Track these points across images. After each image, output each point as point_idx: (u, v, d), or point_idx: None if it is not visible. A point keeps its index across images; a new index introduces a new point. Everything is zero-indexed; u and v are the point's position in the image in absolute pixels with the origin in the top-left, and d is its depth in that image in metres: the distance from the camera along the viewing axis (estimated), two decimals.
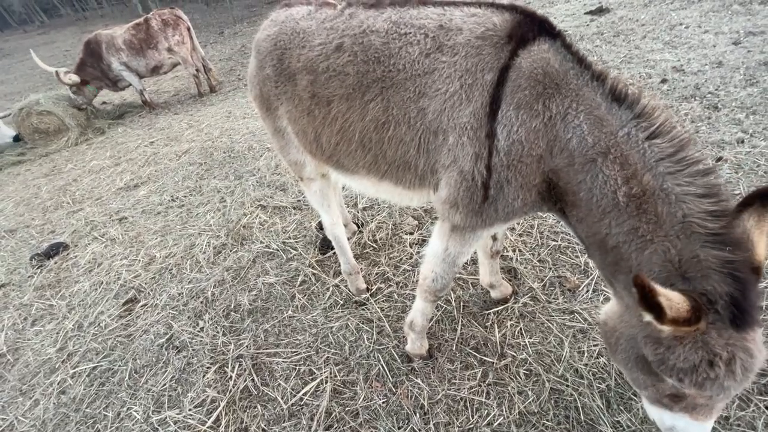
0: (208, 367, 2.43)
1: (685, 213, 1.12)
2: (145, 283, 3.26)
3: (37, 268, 3.81)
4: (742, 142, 3.15)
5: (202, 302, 2.94)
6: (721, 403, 1.14)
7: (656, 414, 1.28)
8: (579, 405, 1.88)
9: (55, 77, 7.30)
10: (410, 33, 1.55)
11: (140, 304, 3.08)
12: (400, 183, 1.76)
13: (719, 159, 3.02)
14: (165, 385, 2.41)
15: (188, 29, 7.83)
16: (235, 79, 8.81)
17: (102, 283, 3.40)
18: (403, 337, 2.36)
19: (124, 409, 2.34)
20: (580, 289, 2.41)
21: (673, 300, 0.97)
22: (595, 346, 2.11)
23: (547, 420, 1.85)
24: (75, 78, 7.34)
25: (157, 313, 2.94)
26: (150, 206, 4.42)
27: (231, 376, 2.34)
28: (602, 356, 2.06)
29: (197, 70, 8.04)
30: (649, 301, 0.95)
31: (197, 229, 3.78)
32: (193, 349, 2.59)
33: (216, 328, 2.70)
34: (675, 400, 1.17)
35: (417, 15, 1.58)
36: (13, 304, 3.43)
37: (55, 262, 3.84)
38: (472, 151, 1.45)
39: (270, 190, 4.13)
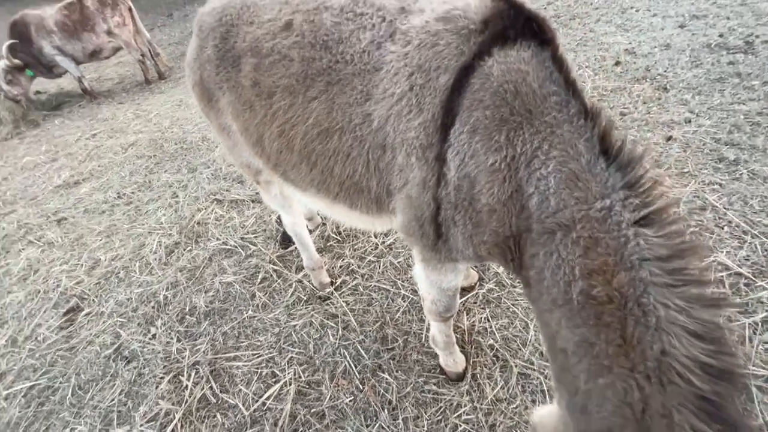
0: (161, 377, 2.26)
1: (665, 350, 0.77)
2: (89, 290, 2.99)
3: None
4: (689, 121, 3.27)
5: (153, 307, 2.72)
6: None
7: None
8: (545, 388, 1.89)
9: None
10: (367, 14, 1.25)
11: (83, 312, 2.82)
12: (355, 207, 1.49)
13: (669, 138, 3.13)
14: (113, 400, 2.22)
15: (130, 9, 7.19)
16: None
17: (39, 292, 3.08)
18: (370, 330, 2.29)
19: (67, 430, 2.13)
20: None
21: None
22: None
23: (515, 407, 1.86)
24: (17, 61, 6.62)
25: (103, 322, 2.70)
26: (93, 205, 4.06)
27: (187, 385, 2.19)
28: None
29: (143, 55, 7.43)
30: None
31: (147, 228, 3.50)
32: (145, 359, 2.40)
33: (169, 334, 2.51)
34: None
35: None
36: None
37: None
38: (419, 176, 1.15)
39: (226, 183, 3.89)
